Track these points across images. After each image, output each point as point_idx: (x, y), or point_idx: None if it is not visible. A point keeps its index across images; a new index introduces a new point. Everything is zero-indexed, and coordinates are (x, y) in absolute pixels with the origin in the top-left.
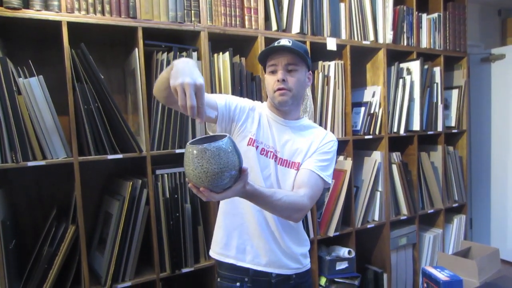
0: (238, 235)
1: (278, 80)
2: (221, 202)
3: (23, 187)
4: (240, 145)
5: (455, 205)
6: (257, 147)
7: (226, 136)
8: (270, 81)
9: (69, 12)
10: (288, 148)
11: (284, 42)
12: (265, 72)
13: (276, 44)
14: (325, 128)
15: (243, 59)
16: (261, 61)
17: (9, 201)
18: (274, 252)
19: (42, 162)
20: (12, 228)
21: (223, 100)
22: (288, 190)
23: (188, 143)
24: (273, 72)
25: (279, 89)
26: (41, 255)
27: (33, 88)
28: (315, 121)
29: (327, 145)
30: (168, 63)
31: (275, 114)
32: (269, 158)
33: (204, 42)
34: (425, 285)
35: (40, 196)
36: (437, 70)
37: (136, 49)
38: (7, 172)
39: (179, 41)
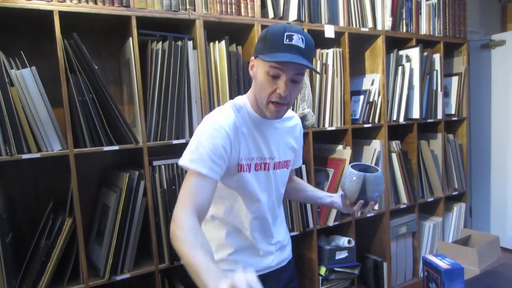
0: (247, 255)
1: (279, 93)
2: (215, 213)
3: (19, 180)
4: (231, 179)
5: (455, 193)
6: (249, 168)
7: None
8: (266, 87)
9: (60, 1)
10: (282, 149)
11: (297, 40)
12: (254, 58)
13: (286, 40)
14: (324, 117)
15: (239, 47)
16: (259, 52)
17: (5, 194)
18: (279, 248)
19: (37, 155)
20: (9, 221)
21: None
22: (296, 183)
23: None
24: (274, 77)
25: (277, 104)
26: (38, 248)
27: (26, 80)
28: (313, 111)
29: (302, 132)
30: (164, 52)
31: (260, 116)
32: (266, 170)
33: (199, 31)
34: (425, 273)
35: (36, 189)
36: (437, 57)
37: (130, 39)
38: (2, 165)
39: (174, 30)
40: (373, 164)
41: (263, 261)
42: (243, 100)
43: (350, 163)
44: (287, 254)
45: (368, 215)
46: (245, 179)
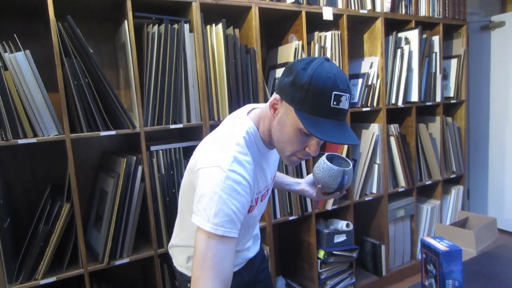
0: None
1: (307, 150)
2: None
3: (16, 165)
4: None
5: (453, 176)
6: (256, 202)
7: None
8: (295, 143)
9: None
10: (275, 165)
11: (344, 102)
12: (281, 99)
13: (334, 103)
14: None
15: (237, 30)
16: (294, 102)
17: (2, 180)
18: (255, 238)
19: (33, 140)
20: (6, 206)
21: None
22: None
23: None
24: (307, 135)
25: (300, 158)
26: (36, 233)
27: (20, 64)
28: None
29: None
30: (160, 36)
31: (267, 147)
32: (265, 196)
33: (196, 13)
34: (424, 255)
35: (33, 174)
36: (436, 39)
37: (126, 22)
38: None
39: (170, 12)
40: (371, 149)
41: (244, 255)
42: (254, 132)
43: (348, 147)
44: (259, 240)
45: (366, 198)
46: (250, 216)
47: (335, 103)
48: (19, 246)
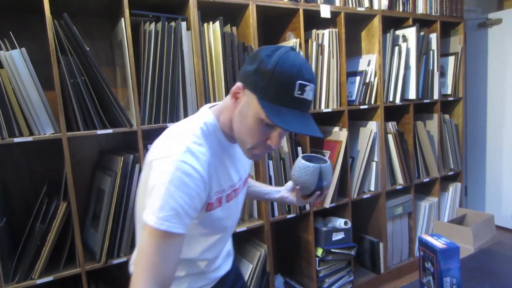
0: (196, 278)
1: (269, 143)
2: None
3: (12, 164)
4: (192, 222)
5: (450, 173)
6: (220, 202)
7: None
8: (256, 135)
9: None
10: (246, 162)
11: (309, 92)
12: (243, 86)
13: (298, 93)
14: (320, 99)
15: (234, 28)
16: (257, 90)
17: None
18: (227, 256)
19: (29, 138)
20: (2, 205)
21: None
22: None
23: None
24: (269, 126)
25: (261, 151)
26: (33, 232)
27: (16, 61)
28: None
29: None
30: (157, 33)
31: (228, 140)
32: (236, 196)
33: (193, 11)
34: (421, 253)
35: (30, 173)
36: (433, 36)
37: (122, 20)
38: None
39: (167, 10)
40: (369, 147)
41: (212, 276)
42: (213, 123)
43: (346, 145)
44: (232, 257)
45: (364, 196)
46: (213, 217)
47: (299, 92)
48: (15, 245)
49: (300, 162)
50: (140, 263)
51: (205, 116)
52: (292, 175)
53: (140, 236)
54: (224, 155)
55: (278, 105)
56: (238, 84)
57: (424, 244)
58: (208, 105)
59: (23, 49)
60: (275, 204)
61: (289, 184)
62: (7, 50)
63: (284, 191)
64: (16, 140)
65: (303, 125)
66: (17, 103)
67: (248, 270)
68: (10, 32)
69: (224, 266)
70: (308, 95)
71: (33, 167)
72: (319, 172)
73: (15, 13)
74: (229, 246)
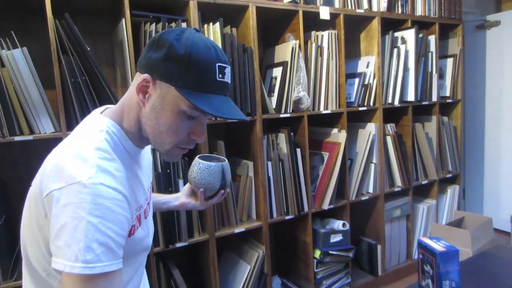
0: None
1: (193, 137)
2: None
3: (11, 162)
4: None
5: (449, 175)
6: (139, 221)
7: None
8: (179, 130)
9: None
10: (148, 173)
11: (228, 74)
12: (152, 78)
13: (219, 76)
14: (319, 100)
15: (234, 29)
16: (174, 80)
17: None
18: None
19: (30, 137)
20: (1, 204)
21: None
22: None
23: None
24: (191, 118)
25: (184, 148)
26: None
27: (17, 61)
28: (308, 94)
29: None
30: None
31: (134, 144)
32: (150, 208)
33: (193, 12)
34: (420, 256)
35: (29, 172)
36: (432, 38)
37: (123, 20)
38: None
39: (167, 11)
40: (367, 149)
41: None
42: (116, 130)
43: (345, 146)
44: (146, 279)
45: (363, 198)
46: (136, 240)
47: (220, 75)
48: (13, 243)
49: (201, 163)
50: None
51: (101, 124)
52: (193, 178)
53: None
54: (134, 165)
55: (201, 92)
56: (144, 76)
57: (423, 247)
58: (97, 111)
59: (25, 48)
60: (274, 205)
61: (186, 189)
62: (9, 49)
63: (183, 197)
64: (17, 138)
65: (232, 110)
66: (18, 101)
67: (245, 271)
68: (12, 32)
69: None
70: (228, 78)
71: (33, 165)
72: (222, 171)
73: (17, 13)
74: (145, 277)
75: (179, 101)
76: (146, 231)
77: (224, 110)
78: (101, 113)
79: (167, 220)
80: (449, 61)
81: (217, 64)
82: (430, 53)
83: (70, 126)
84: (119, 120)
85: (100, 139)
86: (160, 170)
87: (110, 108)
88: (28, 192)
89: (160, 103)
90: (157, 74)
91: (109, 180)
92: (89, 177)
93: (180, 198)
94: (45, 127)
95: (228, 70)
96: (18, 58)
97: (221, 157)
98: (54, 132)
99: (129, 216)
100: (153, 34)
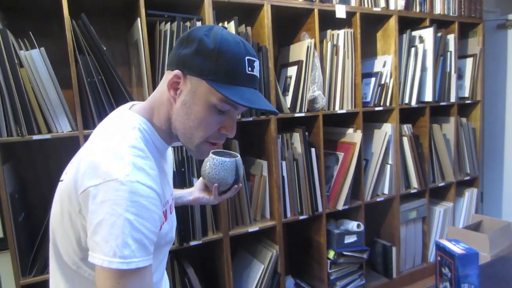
0: None
1: (224, 131)
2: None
3: (30, 161)
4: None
5: (466, 178)
6: (166, 216)
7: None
8: (209, 124)
9: None
10: (171, 171)
11: (257, 67)
12: (184, 74)
13: (249, 69)
14: (334, 100)
15: (249, 28)
16: (205, 73)
17: (17, 175)
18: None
19: (48, 136)
20: (21, 201)
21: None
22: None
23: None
24: (222, 112)
25: (214, 144)
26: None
27: (35, 61)
28: (323, 93)
29: None
30: (172, 33)
31: (164, 141)
32: (173, 207)
33: (208, 11)
34: (438, 258)
35: (47, 170)
36: (451, 37)
37: (138, 20)
38: (14, 146)
39: (182, 10)
40: (383, 150)
41: None
42: (146, 126)
43: (360, 147)
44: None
45: (378, 199)
46: (162, 234)
47: (250, 69)
48: (33, 240)
49: (215, 158)
50: None
51: (133, 121)
52: (207, 173)
53: (99, 285)
54: (162, 161)
55: (232, 85)
56: (175, 72)
57: (441, 249)
58: (125, 107)
59: (42, 49)
60: (288, 204)
61: (199, 183)
62: (27, 49)
63: (197, 192)
64: (35, 137)
65: (263, 102)
66: (36, 101)
67: (259, 270)
68: (30, 32)
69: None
70: (257, 71)
71: (51, 163)
72: (236, 166)
73: (35, 14)
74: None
75: (209, 95)
76: (171, 225)
77: (256, 101)
78: (129, 109)
79: (182, 219)
80: (469, 61)
81: (247, 58)
82: (448, 52)
83: (87, 125)
84: (149, 117)
85: (135, 137)
86: (175, 169)
87: (138, 104)
88: (57, 187)
89: (191, 98)
90: (188, 69)
91: (144, 178)
92: (126, 175)
93: (194, 192)
94: (63, 126)
95: (257, 64)
96: (36, 58)
97: (233, 152)
98: (71, 131)
99: (161, 213)
100: (168, 34)
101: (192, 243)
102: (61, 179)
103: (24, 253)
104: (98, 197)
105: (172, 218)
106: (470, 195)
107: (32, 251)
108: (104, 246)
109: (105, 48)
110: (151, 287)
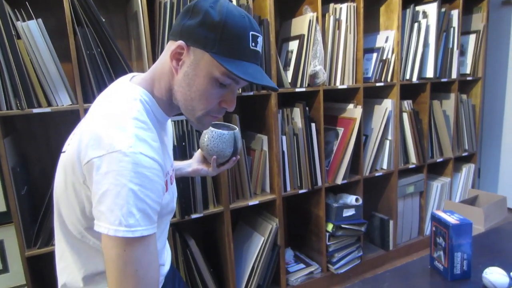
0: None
1: (224, 105)
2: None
3: (31, 135)
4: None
5: (464, 154)
6: (167, 187)
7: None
8: (211, 97)
9: None
10: (171, 142)
11: (260, 43)
12: (187, 45)
13: (252, 44)
14: (335, 75)
15: (250, 1)
16: (209, 46)
17: (18, 149)
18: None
19: (48, 109)
20: (23, 174)
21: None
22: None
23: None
24: (223, 86)
25: (215, 116)
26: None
27: (33, 32)
28: (324, 68)
29: None
30: (172, 5)
31: (164, 112)
32: (173, 177)
33: None
34: (433, 228)
35: (48, 144)
36: (455, 13)
37: None
38: (14, 120)
39: None
40: (383, 125)
41: (161, 272)
42: (147, 98)
43: (360, 122)
44: (169, 252)
45: (376, 174)
46: (163, 204)
47: (253, 44)
48: (36, 213)
49: (214, 131)
50: (125, 285)
51: (134, 93)
52: (206, 145)
53: (106, 253)
54: (162, 132)
55: (235, 59)
56: (179, 42)
57: (436, 220)
58: (125, 78)
59: (40, 20)
60: (288, 179)
61: (197, 155)
62: (24, 20)
63: (195, 164)
64: (35, 111)
65: (264, 78)
66: (35, 74)
67: (259, 242)
68: (27, 3)
69: (168, 258)
70: (260, 47)
71: (51, 137)
72: (234, 139)
73: None
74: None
75: (212, 68)
76: (172, 196)
77: (258, 77)
78: (129, 80)
79: (183, 192)
80: (472, 38)
81: (251, 33)
82: (452, 28)
83: (87, 99)
84: (150, 88)
85: (137, 108)
86: (175, 143)
87: (138, 75)
88: (59, 158)
89: (193, 70)
90: (192, 41)
91: (147, 149)
92: (129, 146)
93: (193, 164)
94: (62, 99)
95: (260, 40)
96: (33, 29)
97: (231, 125)
98: (71, 105)
99: (164, 184)
100: (168, 5)
101: (194, 216)
102: (63, 150)
103: (28, 226)
104: (102, 168)
105: (173, 188)
106: (467, 170)
107: (36, 224)
108: (110, 215)
109: (104, 20)
110: (155, 254)
